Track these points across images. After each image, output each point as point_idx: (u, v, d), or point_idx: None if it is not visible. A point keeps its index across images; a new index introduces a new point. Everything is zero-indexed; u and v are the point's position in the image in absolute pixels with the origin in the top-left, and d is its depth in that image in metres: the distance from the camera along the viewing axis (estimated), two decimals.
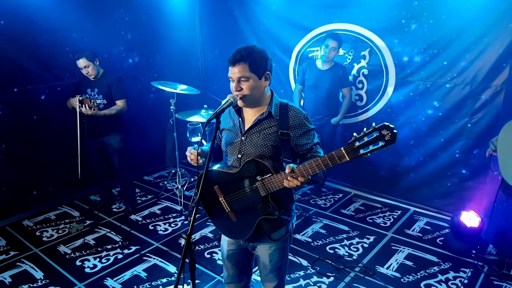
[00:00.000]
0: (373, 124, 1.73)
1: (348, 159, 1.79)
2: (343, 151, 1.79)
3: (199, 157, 2.16)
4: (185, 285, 3.24)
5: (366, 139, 1.74)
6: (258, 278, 3.38)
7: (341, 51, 4.84)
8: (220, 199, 2.18)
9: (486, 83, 4.05)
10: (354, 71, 4.86)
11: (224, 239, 2.41)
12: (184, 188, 5.09)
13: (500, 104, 3.97)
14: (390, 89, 4.65)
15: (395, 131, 1.69)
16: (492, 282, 3.48)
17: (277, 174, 1.97)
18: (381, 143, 1.72)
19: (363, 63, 4.78)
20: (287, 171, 1.90)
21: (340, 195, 5.21)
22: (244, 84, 2.02)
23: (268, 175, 1.99)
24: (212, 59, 6.34)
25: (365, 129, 1.74)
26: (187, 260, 1.90)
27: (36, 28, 4.39)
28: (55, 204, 4.95)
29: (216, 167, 2.21)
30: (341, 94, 4.79)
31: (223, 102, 2.09)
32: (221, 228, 2.31)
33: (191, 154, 2.17)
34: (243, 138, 2.15)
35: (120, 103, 4.34)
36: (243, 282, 2.50)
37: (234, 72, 2.01)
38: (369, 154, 1.76)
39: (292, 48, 5.34)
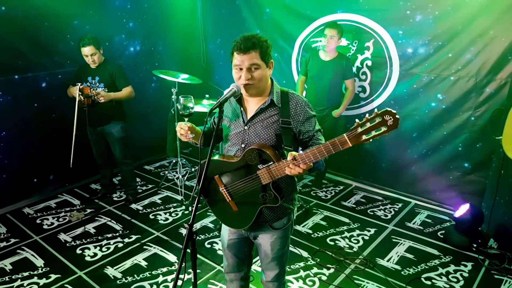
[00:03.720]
0: (375, 109, 1.72)
1: (351, 145, 1.78)
2: (346, 137, 1.77)
3: (189, 132, 2.12)
4: (185, 274, 3.24)
5: (368, 124, 1.73)
6: (259, 269, 3.38)
7: (345, 42, 4.80)
8: (220, 189, 2.16)
9: (491, 76, 4.01)
10: (357, 62, 4.82)
11: (225, 229, 2.40)
12: (185, 178, 5.08)
13: (505, 98, 3.93)
14: (393, 81, 4.61)
15: (397, 116, 1.69)
16: (493, 276, 3.47)
17: (279, 162, 1.95)
18: (383, 128, 1.71)
19: (367, 54, 4.73)
20: (289, 158, 1.89)
21: (341, 187, 5.20)
22: (255, 72, 1.99)
23: (270, 163, 1.97)
24: (214, 48, 6.30)
25: (367, 114, 1.74)
26: (188, 250, 1.89)
27: (37, 14, 4.34)
28: (56, 192, 4.94)
29: (216, 157, 2.18)
30: (344, 86, 4.76)
31: (226, 91, 2.06)
32: (222, 218, 2.30)
33: (181, 128, 2.13)
34: (246, 127, 2.13)
35: (128, 89, 4.32)
36: (243, 271, 2.50)
37: (244, 59, 1.96)
38: (371, 140, 1.75)
39: (295, 38, 5.29)
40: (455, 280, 3.43)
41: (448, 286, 3.35)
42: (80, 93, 4.03)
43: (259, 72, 1.99)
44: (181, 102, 2.17)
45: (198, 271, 3.49)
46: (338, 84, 4.69)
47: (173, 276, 3.45)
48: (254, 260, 3.35)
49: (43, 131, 4.68)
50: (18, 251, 3.81)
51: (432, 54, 4.30)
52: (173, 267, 3.58)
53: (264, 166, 1.99)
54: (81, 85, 4.06)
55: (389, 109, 1.70)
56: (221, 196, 2.18)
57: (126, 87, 4.31)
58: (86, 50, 4.05)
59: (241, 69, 1.99)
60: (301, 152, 1.90)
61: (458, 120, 4.29)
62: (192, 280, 2.02)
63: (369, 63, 4.74)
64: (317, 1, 4.95)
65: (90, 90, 4.09)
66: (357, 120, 1.75)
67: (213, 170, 2.16)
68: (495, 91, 4.02)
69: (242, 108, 2.16)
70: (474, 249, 3.80)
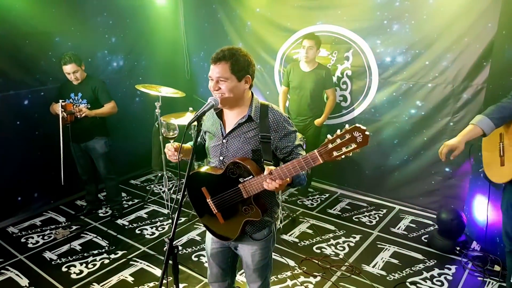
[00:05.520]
0: (346, 125, 1.74)
1: (321, 162, 1.79)
2: (317, 154, 1.79)
3: (176, 153, 2.17)
4: None
5: (338, 141, 1.74)
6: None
7: (325, 52, 4.89)
8: (208, 201, 2.19)
9: (468, 82, 4.11)
10: (338, 72, 4.90)
11: (208, 238, 2.43)
12: (171, 192, 5.08)
13: (481, 103, 4.03)
14: (373, 90, 4.70)
15: (367, 133, 1.70)
16: (476, 278, 3.53)
17: (257, 176, 1.98)
18: (353, 145, 1.72)
19: (346, 64, 4.82)
20: (265, 173, 1.91)
21: (327, 195, 5.25)
22: (222, 84, 2.02)
23: (250, 177, 2.00)
24: (198, 61, 6.34)
25: (338, 131, 1.75)
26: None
27: (17, 32, 4.33)
28: (41, 210, 4.90)
29: (203, 168, 2.22)
30: (325, 95, 4.83)
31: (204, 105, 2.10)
32: (210, 229, 2.32)
33: (169, 150, 2.19)
34: (224, 141, 2.16)
35: (110, 105, 4.33)
36: (227, 282, 2.51)
37: (214, 70, 2.02)
38: (343, 156, 1.76)
39: (276, 50, 5.36)
40: (439, 283, 3.48)
41: None
42: (62, 109, 4.03)
43: (226, 85, 2.01)
44: (165, 125, 2.21)
45: (185, 284, 3.49)
46: (319, 94, 4.76)
47: None
48: (240, 272, 3.38)
49: (27, 148, 4.65)
50: (2, 271, 3.76)
51: (410, 62, 4.39)
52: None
53: (245, 179, 2.02)
54: (63, 101, 4.06)
55: (358, 125, 1.71)
56: (209, 207, 2.21)
57: (108, 102, 4.32)
58: (68, 68, 4.06)
59: (212, 79, 2.05)
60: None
61: (437, 126, 4.38)
62: None
63: (349, 72, 4.82)
64: (297, 14, 5.04)
65: (73, 106, 4.09)
66: (328, 136, 1.77)
67: (201, 181, 2.19)
68: (471, 97, 4.12)
69: (221, 122, 2.19)
70: (457, 252, 3.86)
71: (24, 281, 3.61)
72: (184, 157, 2.26)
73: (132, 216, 4.78)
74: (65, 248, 4.13)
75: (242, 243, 2.29)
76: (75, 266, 3.82)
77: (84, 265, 3.84)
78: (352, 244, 4.10)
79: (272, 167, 1.92)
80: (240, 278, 3.47)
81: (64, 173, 4.21)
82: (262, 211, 2.06)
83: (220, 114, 2.20)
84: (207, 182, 2.18)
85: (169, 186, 5.00)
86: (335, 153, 1.75)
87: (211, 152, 2.25)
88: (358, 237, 4.23)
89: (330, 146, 1.76)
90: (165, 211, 4.86)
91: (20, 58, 4.44)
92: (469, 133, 2.76)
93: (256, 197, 2.05)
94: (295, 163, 1.85)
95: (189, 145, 2.31)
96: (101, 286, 3.53)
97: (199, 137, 2.44)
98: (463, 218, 3.91)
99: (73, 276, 3.68)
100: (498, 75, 3.70)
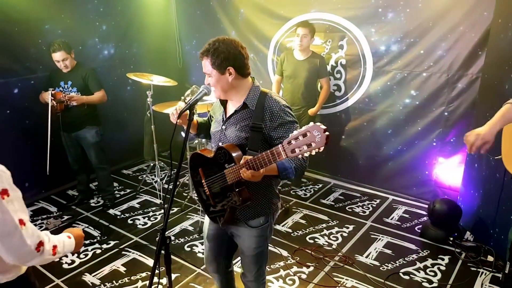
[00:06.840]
0: (311, 123, 1.65)
1: (284, 158, 1.73)
2: (280, 148, 1.73)
3: (178, 119, 2.14)
4: (165, 278, 3.21)
5: (301, 138, 1.64)
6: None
7: (319, 41, 4.83)
8: (202, 181, 2.22)
9: (463, 71, 4.09)
10: (332, 61, 4.85)
11: (207, 220, 2.45)
12: (164, 181, 5.04)
13: (476, 92, 4.02)
14: (368, 79, 4.66)
15: (326, 133, 1.60)
16: (469, 269, 3.53)
17: (238, 164, 1.95)
18: (313, 144, 1.62)
19: (341, 52, 4.77)
20: (242, 162, 1.89)
21: (320, 185, 5.23)
22: (209, 79, 2.05)
23: (232, 165, 1.98)
24: (190, 49, 6.26)
25: (304, 127, 1.66)
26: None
27: (6, 19, 4.24)
28: (32, 200, 4.84)
29: (202, 150, 2.28)
30: (319, 85, 4.79)
31: (197, 92, 2.11)
32: (205, 209, 2.33)
33: (175, 109, 2.18)
34: (223, 127, 2.18)
35: (100, 93, 4.26)
36: (222, 265, 2.54)
37: (203, 66, 2.05)
38: (306, 155, 1.66)
39: (270, 38, 5.29)
40: (432, 273, 3.48)
41: (426, 280, 3.40)
42: (52, 98, 3.96)
43: (211, 80, 2.04)
44: (194, 88, 2.21)
45: (177, 274, 3.47)
46: (313, 83, 4.71)
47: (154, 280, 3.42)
48: (236, 261, 3.37)
49: (17, 138, 4.58)
50: None
51: (404, 51, 4.35)
52: None
53: (229, 166, 2.00)
54: (53, 90, 3.99)
55: (318, 124, 1.62)
56: (203, 188, 2.23)
57: (99, 91, 4.25)
58: (57, 56, 3.98)
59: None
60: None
61: (431, 116, 4.36)
62: (167, 286, 2.00)
63: (343, 61, 4.78)
64: (290, 1, 4.97)
65: (62, 95, 4.02)
66: (294, 132, 1.69)
67: (199, 162, 2.23)
68: (466, 86, 4.10)
69: (223, 109, 2.22)
70: (450, 242, 3.87)
71: None
72: (183, 124, 2.18)
73: (124, 206, 4.74)
74: None
75: (237, 229, 2.29)
76: (66, 256, 3.78)
77: (76, 255, 3.80)
78: (345, 234, 4.09)
79: (249, 157, 1.89)
80: (236, 269, 3.45)
81: (55, 163, 4.16)
82: (242, 200, 2.01)
83: (223, 101, 2.22)
84: (203, 164, 2.21)
85: (161, 176, 4.96)
86: (297, 151, 1.67)
87: (212, 137, 2.29)
88: (351, 227, 4.22)
89: (293, 142, 1.68)
90: (158, 201, 4.83)
91: (10, 46, 4.35)
92: (503, 116, 2.17)
93: (238, 185, 2.01)
94: (264, 156, 1.80)
95: (197, 119, 2.39)
96: (93, 276, 3.50)
97: (207, 117, 2.51)
98: (457, 208, 3.91)
99: (65, 266, 3.64)
100: (493, 65, 3.68)
